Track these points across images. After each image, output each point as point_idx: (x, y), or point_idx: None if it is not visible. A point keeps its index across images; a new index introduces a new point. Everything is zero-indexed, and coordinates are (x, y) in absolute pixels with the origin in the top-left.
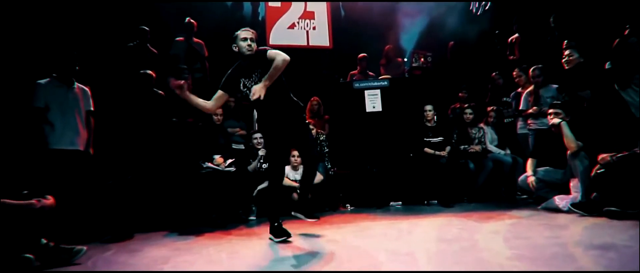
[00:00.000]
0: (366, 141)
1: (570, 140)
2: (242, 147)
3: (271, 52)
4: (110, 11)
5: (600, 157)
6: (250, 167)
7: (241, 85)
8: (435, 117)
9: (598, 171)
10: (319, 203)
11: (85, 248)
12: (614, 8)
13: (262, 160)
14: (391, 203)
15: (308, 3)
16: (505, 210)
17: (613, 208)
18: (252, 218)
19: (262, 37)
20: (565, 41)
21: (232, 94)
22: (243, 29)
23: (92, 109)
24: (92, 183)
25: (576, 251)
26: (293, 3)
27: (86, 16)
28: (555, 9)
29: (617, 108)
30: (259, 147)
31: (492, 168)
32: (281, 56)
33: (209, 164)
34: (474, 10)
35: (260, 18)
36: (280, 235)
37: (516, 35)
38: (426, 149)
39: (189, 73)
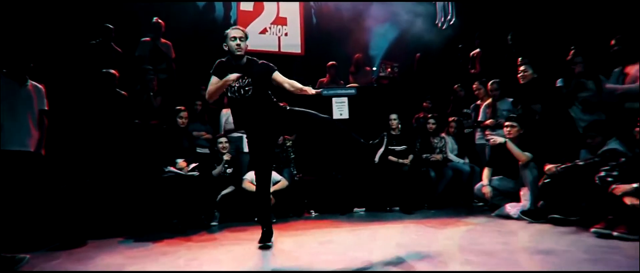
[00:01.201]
0: (332, 148)
1: (518, 154)
2: (207, 151)
3: (278, 76)
4: (73, 6)
5: (547, 167)
6: (215, 172)
7: None
8: (399, 125)
9: (544, 181)
10: (284, 209)
11: (28, 256)
12: (564, 30)
13: (226, 165)
14: (355, 209)
15: (281, 9)
16: (462, 217)
17: (557, 216)
18: (214, 223)
19: None
20: (520, 58)
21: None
22: (233, 27)
23: (46, 108)
24: (42, 187)
25: (522, 256)
26: (265, 8)
27: (45, 10)
28: (513, 27)
29: (563, 122)
30: (224, 151)
31: (451, 177)
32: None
33: (172, 168)
34: (440, 25)
35: (232, 21)
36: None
37: (478, 50)
38: (390, 157)
39: (154, 74)
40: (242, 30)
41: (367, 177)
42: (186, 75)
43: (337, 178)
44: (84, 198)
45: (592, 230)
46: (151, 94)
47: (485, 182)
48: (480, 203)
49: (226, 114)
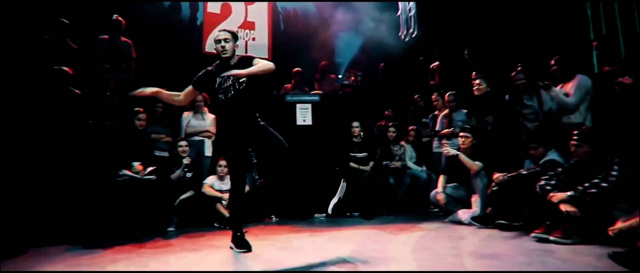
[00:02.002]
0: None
1: (469, 164)
2: (166, 154)
3: (257, 61)
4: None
5: (495, 176)
6: (174, 176)
7: (216, 83)
8: (361, 133)
9: (493, 189)
10: (244, 215)
11: None
12: (515, 47)
13: (186, 169)
14: (315, 215)
15: (249, 13)
16: (418, 223)
17: (503, 221)
18: (171, 229)
19: (198, 43)
20: (474, 72)
21: (203, 90)
22: (218, 29)
23: None
24: None
25: (468, 260)
26: (233, 11)
27: None
28: (469, 43)
29: (511, 134)
30: (184, 155)
31: (409, 184)
32: (268, 63)
33: (127, 172)
34: (403, 37)
35: (198, 23)
36: (242, 246)
37: (437, 62)
38: (351, 164)
39: (111, 73)
40: (228, 31)
41: (328, 183)
42: (148, 76)
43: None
44: (27, 202)
45: (532, 234)
46: (108, 93)
47: (440, 190)
48: (436, 209)
49: (187, 117)
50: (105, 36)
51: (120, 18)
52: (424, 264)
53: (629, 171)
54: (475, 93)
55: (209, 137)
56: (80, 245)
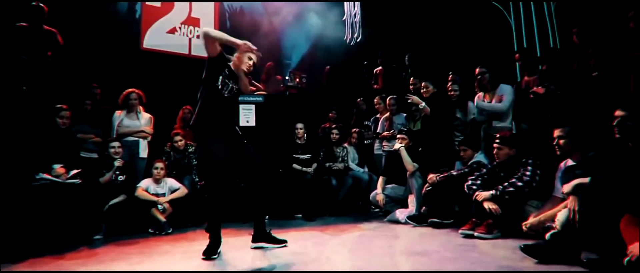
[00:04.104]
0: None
1: (407, 163)
2: (95, 155)
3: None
4: None
5: (429, 176)
6: (103, 179)
7: (223, 75)
8: (305, 135)
9: (427, 189)
10: (182, 219)
11: None
12: (451, 56)
13: (118, 172)
14: None
15: (193, 9)
16: (358, 223)
17: (436, 220)
18: (98, 237)
19: (136, 38)
20: (412, 77)
21: (215, 68)
22: (256, 51)
23: None
24: None
25: (400, 259)
26: (176, 6)
27: None
28: (409, 49)
29: (444, 136)
30: (116, 156)
31: (351, 185)
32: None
33: (45, 175)
34: (348, 41)
35: (136, 16)
36: (211, 254)
37: (380, 67)
38: (294, 165)
39: (30, 65)
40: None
41: (271, 184)
42: (77, 71)
43: (240, 186)
44: None
45: (460, 231)
46: (24, 88)
47: (379, 191)
48: (376, 210)
49: (120, 116)
50: (24, 23)
51: (41, 4)
52: (357, 263)
53: (540, 171)
54: (424, 95)
55: (144, 138)
56: None
